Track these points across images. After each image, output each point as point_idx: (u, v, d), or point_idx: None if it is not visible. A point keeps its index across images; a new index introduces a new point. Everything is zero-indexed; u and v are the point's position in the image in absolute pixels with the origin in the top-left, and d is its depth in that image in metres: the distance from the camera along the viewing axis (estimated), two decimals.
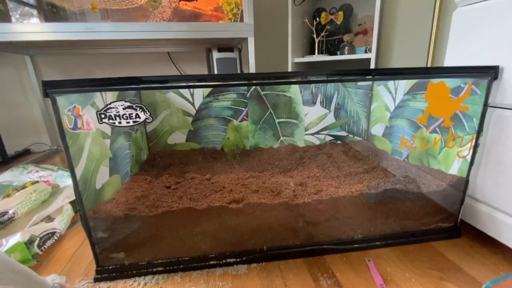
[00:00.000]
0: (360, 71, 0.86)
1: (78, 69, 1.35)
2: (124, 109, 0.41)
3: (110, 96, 0.59)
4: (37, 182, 0.71)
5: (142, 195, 0.57)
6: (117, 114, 0.41)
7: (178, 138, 0.85)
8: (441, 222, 0.57)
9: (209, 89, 0.81)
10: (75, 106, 0.41)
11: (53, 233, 0.55)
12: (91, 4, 0.88)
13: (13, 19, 1.11)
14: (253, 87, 0.83)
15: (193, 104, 0.82)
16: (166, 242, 0.49)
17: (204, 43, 1.16)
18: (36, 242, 0.52)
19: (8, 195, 0.66)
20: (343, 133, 0.91)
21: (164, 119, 0.82)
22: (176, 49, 1.34)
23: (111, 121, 0.41)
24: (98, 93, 0.52)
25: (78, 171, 0.45)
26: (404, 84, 0.72)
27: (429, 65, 0.89)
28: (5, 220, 0.58)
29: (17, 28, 0.88)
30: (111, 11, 1.06)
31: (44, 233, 0.54)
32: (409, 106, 0.70)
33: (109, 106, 0.40)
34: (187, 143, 0.85)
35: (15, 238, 0.51)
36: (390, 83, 0.77)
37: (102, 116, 0.41)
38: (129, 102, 0.41)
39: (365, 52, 1.12)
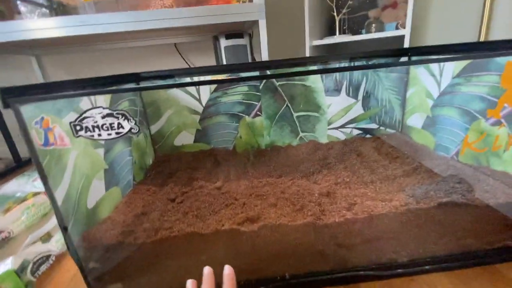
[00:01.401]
0: (392, 51, 0.72)
1: (84, 66, 1.30)
2: (103, 117, 0.32)
3: (102, 97, 0.52)
4: (38, 193, 0.66)
5: (142, 212, 0.49)
6: (95, 124, 0.32)
7: (186, 139, 0.77)
8: (510, 239, 0.45)
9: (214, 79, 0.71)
10: (43, 118, 0.33)
11: (48, 257, 0.50)
12: None
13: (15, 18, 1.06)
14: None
15: (199, 100, 0.73)
16: (168, 270, 0.42)
17: (211, 30, 1.05)
18: (29, 268, 0.46)
19: (8, 210, 0.61)
20: (373, 126, 0.79)
21: (169, 119, 0.74)
22: (182, 39, 1.25)
23: (88, 133, 0.33)
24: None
25: (61, 193, 0.37)
26: (453, 65, 0.58)
27: (482, 39, 0.73)
28: None
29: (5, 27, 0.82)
30: (109, 1, 0.98)
31: (38, 257, 0.49)
32: (461, 92, 0.56)
33: (84, 115, 0.32)
34: (195, 144, 0.77)
35: (6, 265, 0.45)
36: (434, 64, 0.63)
37: (77, 128, 0.32)
38: (108, 108, 0.32)
39: (396, 28, 0.96)
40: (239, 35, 0.92)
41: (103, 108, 0.32)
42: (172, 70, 0.69)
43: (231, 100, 0.74)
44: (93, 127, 0.32)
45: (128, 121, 0.33)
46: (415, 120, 0.72)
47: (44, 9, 1.09)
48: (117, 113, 0.32)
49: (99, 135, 0.33)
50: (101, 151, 0.50)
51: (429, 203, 0.43)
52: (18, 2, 1.09)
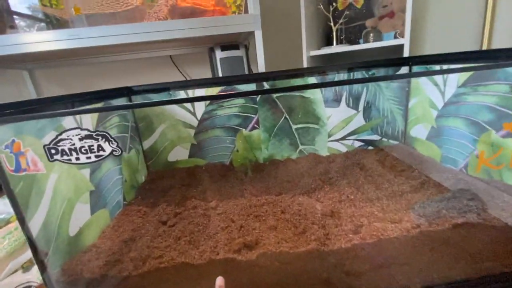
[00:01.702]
0: (393, 61, 0.70)
1: (78, 80, 1.27)
2: (81, 139, 0.29)
3: (88, 114, 0.48)
4: None
5: (131, 237, 0.45)
6: (73, 147, 0.29)
7: (180, 154, 0.74)
8: None
9: (210, 95, 0.68)
10: (14, 141, 0.29)
11: None
12: (74, 7, 0.78)
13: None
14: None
15: (194, 114, 0.70)
16: None
17: (206, 42, 1.04)
18: None
19: None
20: (376, 137, 0.76)
21: (162, 133, 0.71)
22: (178, 51, 1.24)
23: (65, 157, 0.29)
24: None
25: (38, 222, 0.34)
26: (457, 74, 0.56)
27: (485, 46, 0.71)
28: None
29: None
30: (104, 15, 0.96)
31: None
32: (468, 102, 0.54)
33: (59, 137, 0.29)
34: (190, 160, 0.73)
35: None
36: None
37: (53, 151, 0.29)
38: (87, 130, 0.29)
39: (395, 37, 0.95)
40: (235, 47, 0.90)
41: (81, 129, 0.29)
42: (165, 83, 0.67)
43: (227, 113, 0.71)
44: (70, 150, 0.29)
45: (109, 143, 0.29)
46: (419, 131, 0.69)
47: (42, 24, 1.09)
48: (96, 135, 0.29)
49: (77, 159, 0.29)
50: (86, 172, 0.47)
51: (442, 224, 0.39)
52: (15, 17, 1.08)
